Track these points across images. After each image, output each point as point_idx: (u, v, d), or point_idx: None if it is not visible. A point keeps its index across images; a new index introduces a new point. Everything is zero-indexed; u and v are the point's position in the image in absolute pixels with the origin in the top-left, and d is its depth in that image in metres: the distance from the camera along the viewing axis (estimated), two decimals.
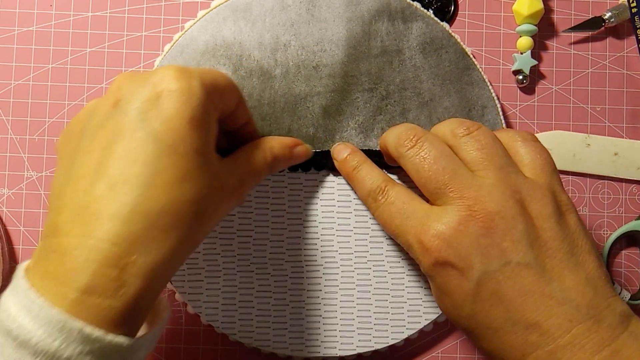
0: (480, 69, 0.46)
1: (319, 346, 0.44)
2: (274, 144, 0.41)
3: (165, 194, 0.32)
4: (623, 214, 0.49)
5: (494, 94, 0.46)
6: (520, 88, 0.49)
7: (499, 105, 0.46)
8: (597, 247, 0.37)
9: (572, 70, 0.49)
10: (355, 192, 0.43)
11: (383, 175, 0.41)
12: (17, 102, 0.48)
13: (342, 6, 0.45)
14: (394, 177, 0.44)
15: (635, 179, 0.49)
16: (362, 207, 0.45)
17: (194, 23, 0.45)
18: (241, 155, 0.39)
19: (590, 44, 0.50)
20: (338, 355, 0.45)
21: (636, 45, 0.47)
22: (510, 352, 0.35)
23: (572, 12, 0.50)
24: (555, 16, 0.50)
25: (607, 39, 0.50)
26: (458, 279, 0.35)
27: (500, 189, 0.36)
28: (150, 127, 0.32)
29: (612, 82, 0.49)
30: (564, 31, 0.49)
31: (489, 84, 0.45)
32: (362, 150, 0.44)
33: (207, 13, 0.45)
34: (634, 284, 0.49)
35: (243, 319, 0.44)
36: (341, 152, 0.44)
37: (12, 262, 0.47)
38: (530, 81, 0.49)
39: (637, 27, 0.47)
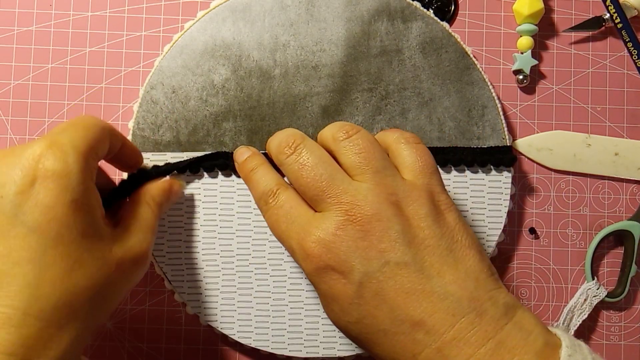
0: (480, 69, 0.45)
1: (318, 346, 0.44)
2: (154, 192, 0.41)
3: (57, 289, 0.31)
4: (623, 214, 0.49)
5: (494, 94, 0.45)
6: (520, 88, 0.49)
7: (499, 105, 0.45)
8: (479, 243, 0.37)
9: (572, 70, 0.49)
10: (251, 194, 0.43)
11: (277, 179, 0.41)
12: (17, 102, 0.48)
13: (342, 6, 0.45)
14: None
15: (635, 179, 0.49)
16: None
17: (194, 23, 0.45)
18: (131, 218, 0.39)
19: (590, 43, 0.49)
20: (337, 355, 0.44)
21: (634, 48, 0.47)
22: (402, 353, 0.35)
23: (573, 11, 0.50)
24: (555, 16, 0.50)
25: (608, 38, 0.50)
26: (341, 282, 0.36)
27: (376, 192, 0.36)
28: (29, 220, 0.31)
29: (612, 82, 0.49)
30: (564, 31, 0.49)
31: (489, 83, 0.45)
32: None
33: (206, 13, 0.45)
34: (612, 283, 0.49)
35: (242, 319, 0.44)
36: (242, 154, 0.43)
37: None
38: (530, 81, 0.49)
39: (627, 40, 0.47)
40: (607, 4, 0.47)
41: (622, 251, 0.49)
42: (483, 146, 0.45)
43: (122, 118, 0.48)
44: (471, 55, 0.45)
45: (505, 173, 0.45)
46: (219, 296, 0.44)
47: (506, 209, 0.45)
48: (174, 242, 0.44)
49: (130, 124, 0.44)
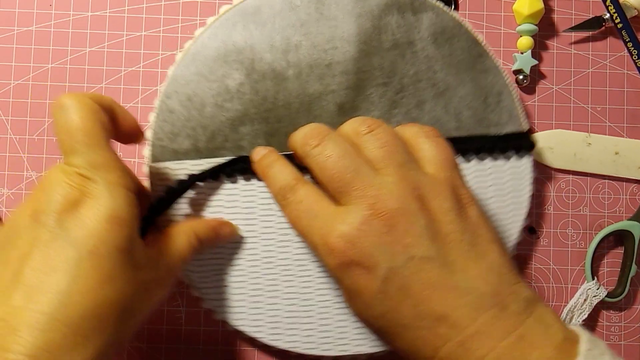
0: (493, 56, 0.45)
1: (348, 344, 0.44)
2: (199, 227, 0.41)
3: (87, 299, 0.32)
4: (624, 214, 0.49)
5: (508, 80, 0.45)
6: (520, 88, 0.49)
7: (514, 91, 0.45)
8: (500, 237, 0.37)
9: (572, 70, 0.49)
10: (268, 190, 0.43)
11: (295, 173, 0.41)
12: (17, 102, 0.48)
13: (351, 2, 0.45)
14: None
15: (636, 178, 0.49)
16: None
17: (205, 30, 0.45)
18: (166, 243, 0.39)
19: (590, 43, 0.49)
20: (368, 352, 0.44)
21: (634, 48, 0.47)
22: (423, 347, 0.35)
23: (573, 11, 0.49)
24: (555, 16, 0.50)
25: (608, 38, 0.49)
26: (365, 277, 0.35)
27: (401, 186, 0.36)
28: (68, 234, 0.33)
29: (612, 82, 0.49)
30: (564, 31, 0.49)
31: (503, 70, 0.45)
32: None
33: (216, 19, 0.45)
34: (612, 283, 0.49)
35: (271, 322, 0.44)
36: (258, 153, 0.43)
37: None
38: (530, 81, 0.49)
39: (627, 40, 0.47)
40: (607, 4, 0.47)
41: (622, 251, 0.49)
42: (501, 133, 0.45)
43: None
44: (483, 43, 0.45)
45: (526, 158, 0.45)
46: (246, 300, 0.44)
47: (529, 194, 0.45)
48: (200, 256, 0.44)
49: (148, 134, 0.44)
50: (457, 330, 0.34)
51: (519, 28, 0.48)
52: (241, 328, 0.44)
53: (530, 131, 0.45)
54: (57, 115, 0.35)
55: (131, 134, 0.40)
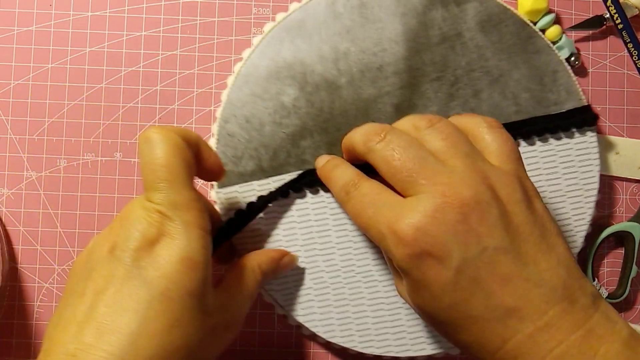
0: (542, 36, 0.45)
1: (441, 341, 0.44)
2: (262, 260, 0.41)
3: (154, 343, 0.32)
4: (624, 214, 0.49)
5: (561, 57, 0.45)
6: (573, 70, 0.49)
7: (568, 67, 0.45)
8: (563, 232, 0.37)
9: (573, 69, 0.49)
10: (331, 191, 0.42)
11: (357, 171, 0.40)
12: (17, 102, 0.48)
13: (394, 2, 0.45)
14: None
15: (636, 178, 0.48)
16: None
17: (253, 51, 0.45)
18: (235, 286, 0.39)
19: (590, 43, 0.49)
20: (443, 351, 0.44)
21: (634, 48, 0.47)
22: (490, 339, 0.34)
23: (573, 11, 0.49)
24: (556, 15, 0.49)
25: (608, 38, 0.49)
26: (436, 268, 0.34)
27: (471, 175, 0.35)
28: (143, 274, 0.33)
29: (612, 82, 0.49)
30: (564, 30, 0.49)
31: (554, 48, 0.45)
32: None
33: (263, 38, 0.45)
34: (613, 284, 0.49)
35: (360, 330, 0.44)
36: (322, 160, 0.43)
37: (12, 263, 0.47)
38: None
39: (627, 41, 0.47)
40: (608, 4, 0.47)
41: (623, 252, 0.48)
42: (562, 110, 0.45)
43: (122, 118, 0.48)
44: (531, 24, 0.45)
45: (589, 133, 0.45)
46: (333, 312, 0.44)
47: (598, 168, 0.45)
48: None
49: None
50: (527, 323, 0.33)
51: (539, 24, 0.47)
52: (332, 340, 0.44)
53: (590, 106, 0.45)
54: (143, 148, 0.35)
55: (213, 172, 0.40)
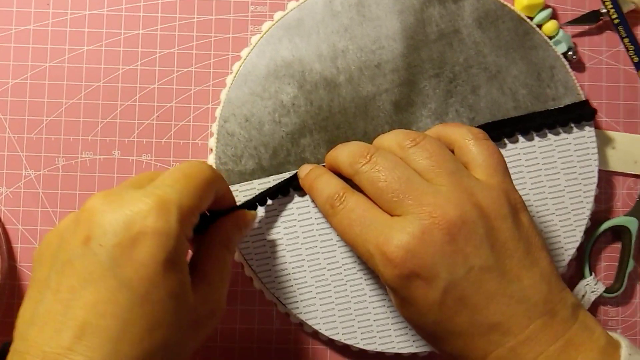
0: (540, 32, 0.45)
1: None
2: (229, 230, 0.40)
3: (136, 347, 0.31)
4: (620, 209, 0.49)
5: (559, 53, 0.45)
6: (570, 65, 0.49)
7: (566, 63, 0.45)
8: (547, 244, 0.38)
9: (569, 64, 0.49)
10: (314, 202, 0.42)
11: (342, 183, 0.40)
12: (15, 101, 0.48)
13: (391, 0, 0.45)
14: None
15: (632, 173, 0.49)
16: None
17: (251, 50, 0.45)
18: (210, 270, 0.38)
19: (587, 38, 0.49)
20: None
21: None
22: (473, 352, 0.35)
23: (569, 7, 0.49)
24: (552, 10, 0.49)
25: (604, 33, 0.49)
26: (424, 289, 0.35)
27: (457, 193, 0.36)
28: (122, 274, 0.31)
29: (608, 77, 0.49)
30: (561, 25, 0.48)
31: (551, 44, 0.45)
32: None
33: (261, 37, 0.45)
34: (610, 278, 0.49)
35: (362, 327, 0.44)
36: (304, 169, 0.43)
37: (11, 261, 0.47)
38: None
39: (623, 36, 0.48)
40: (604, 0, 0.47)
41: (620, 246, 0.49)
42: (560, 106, 0.45)
43: (120, 116, 0.48)
44: (528, 20, 0.45)
45: (587, 127, 0.45)
46: (335, 309, 0.44)
47: (596, 163, 0.45)
48: (279, 265, 0.44)
49: (211, 160, 0.45)
50: (508, 337, 0.34)
51: (536, 19, 0.47)
52: (334, 337, 0.44)
53: (588, 101, 0.45)
54: (191, 164, 0.36)
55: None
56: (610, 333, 0.36)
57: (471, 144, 0.38)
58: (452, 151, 0.39)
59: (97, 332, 0.31)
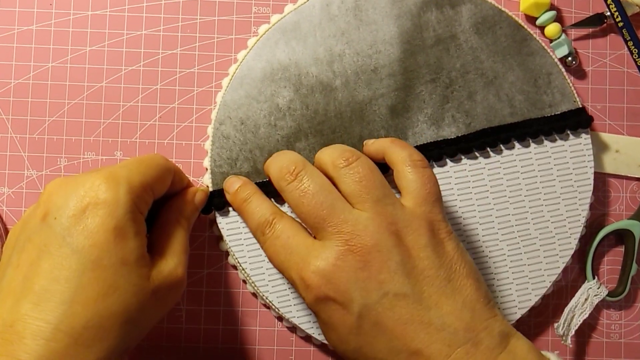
0: (537, 38, 0.45)
1: None
2: (182, 207, 0.42)
3: (89, 310, 0.33)
4: (624, 212, 0.48)
5: (556, 60, 0.45)
6: (570, 70, 0.48)
7: (563, 69, 0.45)
8: (477, 270, 0.38)
9: (572, 68, 0.48)
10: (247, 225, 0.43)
11: (272, 208, 0.41)
12: (17, 101, 0.48)
13: (388, 5, 0.45)
14: None
15: (636, 176, 0.48)
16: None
17: (247, 52, 0.45)
18: (164, 243, 0.39)
19: (590, 41, 0.49)
20: None
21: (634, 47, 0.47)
22: None
23: (573, 9, 0.49)
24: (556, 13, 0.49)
25: (608, 36, 0.49)
26: (340, 313, 0.36)
27: (377, 222, 0.37)
28: (75, 242, 0.34)
29: (612, 80, 0.49)
30: (564, 28, 0.48)
31: (548, 50, 0.45)
32: (436, 142, 0.44)
33: (257, 40, 0.45)
34: (613, 282, 0.49)
35: None
36: (233, 184, 0.43)
37: None
38: None
39: (627, 39, 0.47)
40: (608, 2, 0.47)
41: (623, 250, 0.48)
42: (557, 113, 0.45)
43: (123, 117, 0.48)
44: (525, 26, 0.45)
45: (584, 135, 0.45)
46: None
47: (592, 170, 0.45)
48: (272, 269, 0.44)
49: (206, 163, 0.45)
50: None
51: (540, 20, 0.47)
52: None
53: (584, 108, 0.45)
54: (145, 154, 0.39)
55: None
56: (546, 355, 0.36)
57: (408, 170, 0.39)
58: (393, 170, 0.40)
59: (52, 296, 0.33)
